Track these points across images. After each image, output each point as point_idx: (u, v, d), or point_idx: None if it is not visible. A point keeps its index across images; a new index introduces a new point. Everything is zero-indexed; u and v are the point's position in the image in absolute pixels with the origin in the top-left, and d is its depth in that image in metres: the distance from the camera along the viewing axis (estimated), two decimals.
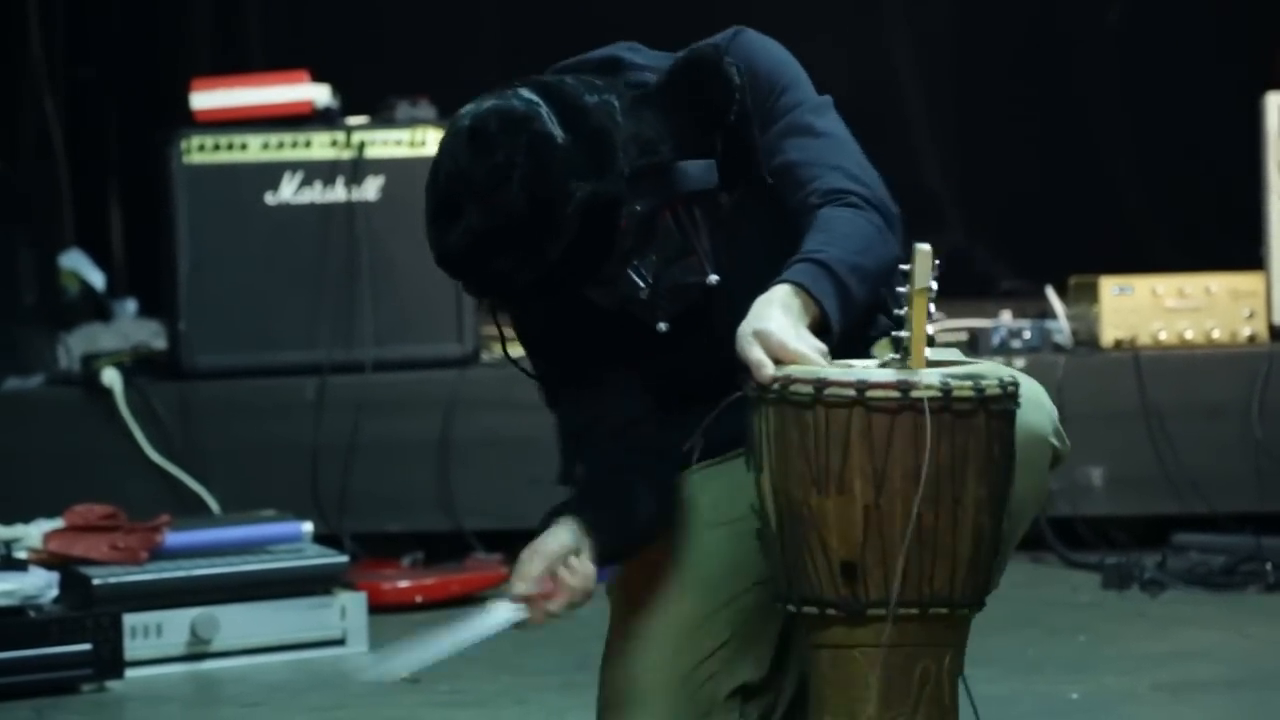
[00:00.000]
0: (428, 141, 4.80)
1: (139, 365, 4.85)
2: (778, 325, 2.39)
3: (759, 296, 2.45)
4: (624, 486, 2.65)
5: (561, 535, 2.55)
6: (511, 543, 4.70)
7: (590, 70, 2.60)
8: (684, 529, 2.69)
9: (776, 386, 2.35)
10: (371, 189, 4.83)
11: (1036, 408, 2.59)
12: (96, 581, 3.88)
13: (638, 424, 2.69)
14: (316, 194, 4.82)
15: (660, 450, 2.67)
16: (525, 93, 2.46)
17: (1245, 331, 4.82)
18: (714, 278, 2.57)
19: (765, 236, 2.58)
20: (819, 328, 2.44)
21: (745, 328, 2.42)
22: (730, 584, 2.61)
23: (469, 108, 2.48)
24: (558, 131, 2.42)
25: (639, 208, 2.47)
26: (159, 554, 4.00)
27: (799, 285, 2.42)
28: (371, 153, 4.80)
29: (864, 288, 2.48)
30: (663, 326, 2.57)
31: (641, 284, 2.51)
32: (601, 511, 2.60)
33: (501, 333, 2.64)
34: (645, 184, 2.48)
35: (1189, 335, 4.83)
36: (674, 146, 2.52)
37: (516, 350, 2.75)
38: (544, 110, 2.43)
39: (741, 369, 2.43)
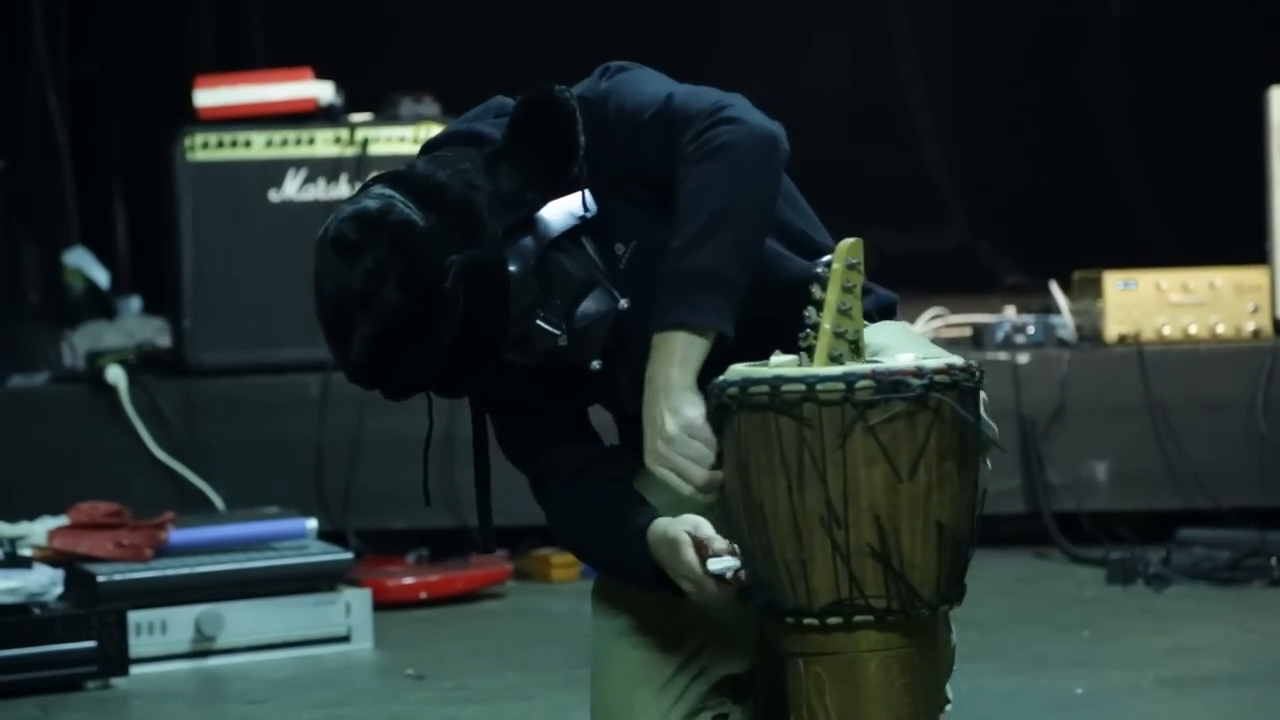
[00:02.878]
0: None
1: (143, 363, 4.85)
2: (671, 426, 2.40)
3: (646, 372, 2.45)
4: (598, 530, 2.65)
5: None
6: (515, 539, 4.72)
7: (448, 146, 2.60)
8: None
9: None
10: None
11: None
12: (101, 579, 3.87)
13: (589, 468, 2.68)
14: (320, 191, 4.82)
15: (617, 490, 2.66)
16: (377, 189, 2.48)
17: (1249, 326, 4.82)
18: (624, 302, 2.55)
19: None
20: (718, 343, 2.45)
21: (647, 443, 2.43)
22: None
23: (330, 220, 2.49)
24: (417, 215, 2.43)
25: (529, 260, 2.47)
26: (163, 551, 3.99)
27: (678, 327, 2.43)
28: (375, 150, 4.80)
29: (745, 247, 2.47)
30: (596, 365, 2.56)
31: (556, 331, 2.51)
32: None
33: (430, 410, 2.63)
34: (521, 236, 2.49)
35: (1193, 330, 4.82)
36: (539, 191, 2.52)
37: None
38: (398, 200, 2.45)
39: None
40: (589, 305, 2.54)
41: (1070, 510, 4.73)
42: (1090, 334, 4.90)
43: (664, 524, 2.52)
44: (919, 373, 2.29)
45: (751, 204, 2.50)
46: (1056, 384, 4.76)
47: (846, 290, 2.33)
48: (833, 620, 2.31)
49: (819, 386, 2.28)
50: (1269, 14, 5.21)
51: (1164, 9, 5.97)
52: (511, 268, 2.45)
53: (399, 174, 2.52)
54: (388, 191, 2.46)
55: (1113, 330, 4.81)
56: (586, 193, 2.54)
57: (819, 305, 2.36)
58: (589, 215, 2.55)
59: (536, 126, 2.52)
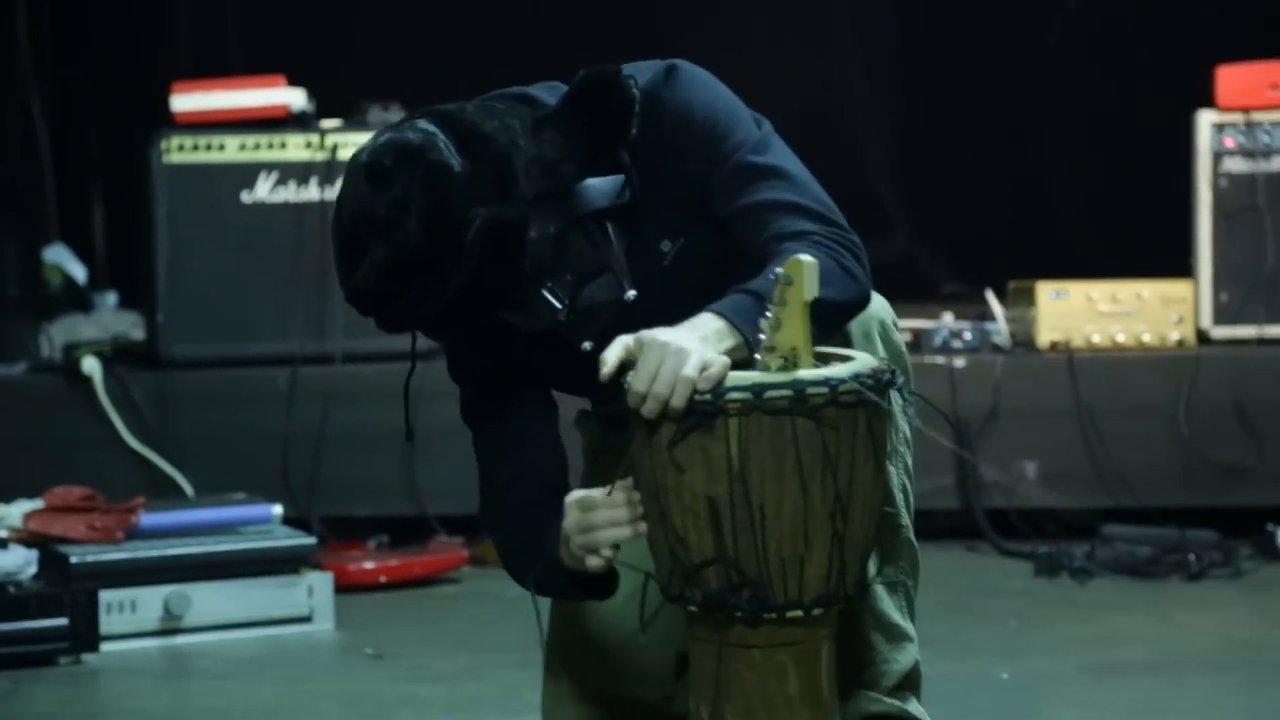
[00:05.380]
0: None
1: (118, 355, 4.85)
2: (668, 336, 2.27)
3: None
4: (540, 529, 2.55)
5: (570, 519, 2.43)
6: (473, 527, 4.72)
7: (501, 100, 2.50)
8: None
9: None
10: None
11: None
12: (74, 559, 3.87)
13: (542, 466, 2.62)
14: (291, 193, 4.82)
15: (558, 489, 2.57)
16: (422, 124, 2.39)
17: (1174, 336, 4.85)
18: (631, 293, 2.48)
19: (710, 280, 2.45)
20: (744, 356, 2.32)
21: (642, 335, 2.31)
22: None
23: (367, 144, 2.41)
24: (455, 160, 2.35)
25: (551, 229, 2.39)
26: (134, 534, 3.99)
27: (718, 313, 2.32)
28: (344, 154, 4.75)
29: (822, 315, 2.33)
30: (587, 346, 2.46)
31: (558, 305, 2.43)
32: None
33: (414, 348, 2.55)
34: (551, 205, 2.40)
35: (1120, 338, 4.85)
36: (578, 166, 2.44)
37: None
38: (440, 140, 2.36)
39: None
40: (595, 289, 2.46)
41: (1001, 507, 4.76)
42: (1023, 340, 4.91)
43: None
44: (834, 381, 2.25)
45: (836, 293, 2.37)
46: (990, 387, 4.78)
47: (780, 305, 2.25)
48: (816, 611, 2.29)
49: (841, 389, 2.23)
50: (1196, 43, 5.24)
51: (1100, 37, 5.99)
52: (532, 233, 2.37)
53: (447, 112, 2.41)
54: (432, 128, 2.37)
55: (1044, 337, 4.84)
56: (624, 179, 2.49)
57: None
58: (623, 203, 2.49)
59: (594, 104, 2.45)
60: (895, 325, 2.59)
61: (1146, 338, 4.84)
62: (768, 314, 2.26)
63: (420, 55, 5.95)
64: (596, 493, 2.39)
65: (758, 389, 2.22)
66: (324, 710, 3.37)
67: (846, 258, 2.42)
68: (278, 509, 4.19)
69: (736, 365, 2.28)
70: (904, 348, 2.61)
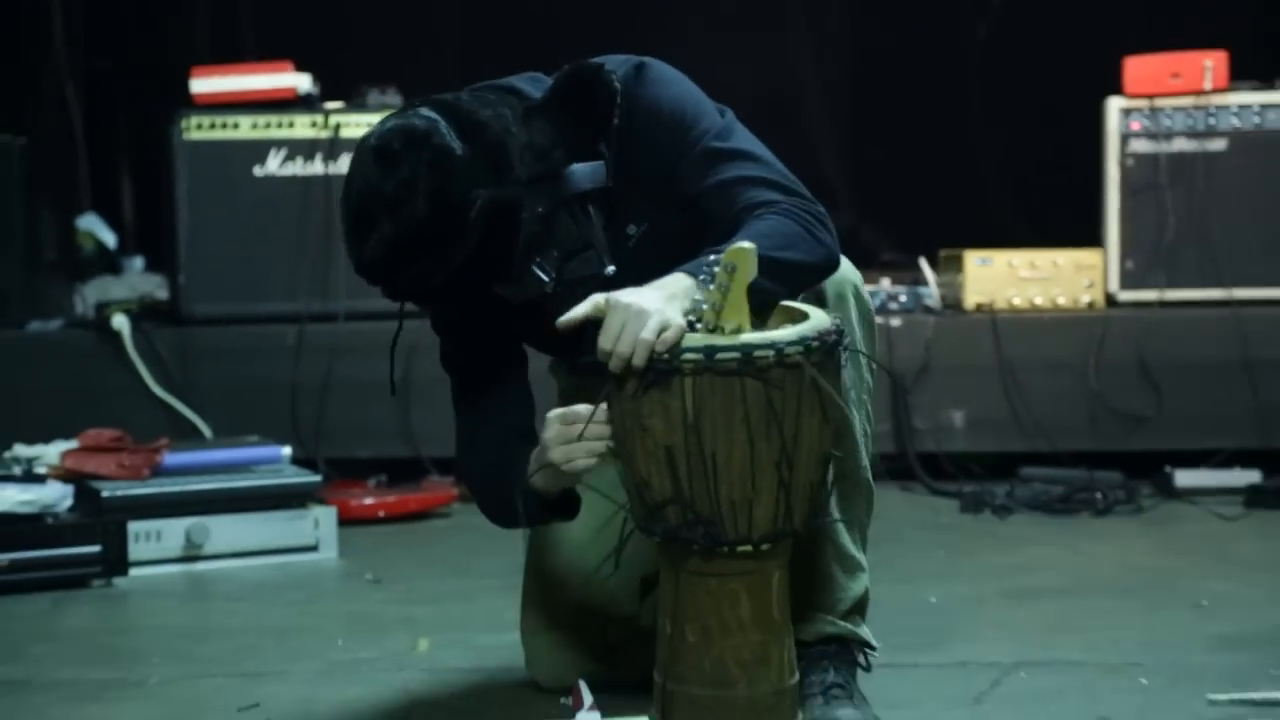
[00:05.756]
0: None
1: (144, 312, 4.86)
2: (632, 298, 2.26)
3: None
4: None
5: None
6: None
7: (489, 92, 2.52)
8: None
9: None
10: (345, 164, 4.79)
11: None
12: (105, 494, 3.90)
13: (514, 408, 2.64)
14: (298, 168, 4.83)
15: (526, 432, 2.59)
16: (425, 111, 2.40)
17: (1085, 299, 4.88)
18: (610, 269, 2.50)
19: (672, 259, 2.40)
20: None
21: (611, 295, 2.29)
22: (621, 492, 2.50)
23: (374, 129, 2.42)
24: (457, 144, 2.35)
25: (540, 209, 2.41)
26: (159, 471, 4.03)
27: (689, 272, 2.31)
28: (346, 133, 4.80)
29: (778, 280, 2.35)
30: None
31: (545, 279, 2.44)
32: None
33: (402, 312, 2.56)
34: (541, 187, 2.42)
35: (1038, 301, 4.88)
36: (565, 152, 2.45)
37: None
38: (443, 125, 2.37)
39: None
40: (579, 264, 2.48)
41: (931, 451, 4.80)
42: (952, 303, 4.95)
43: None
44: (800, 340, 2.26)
45: (802, 255, 2.40)
46: (923, 345, 4.81)
47: (722, 290, 2.25)
48: (765, 546, 2.31)
49: (786, 351, 2.23)
50: (1107, 36, 5.26)
51: (1024, 32, 5.99)
52: (525, 213, 2.38)
53: (446, 102, 2.42)
54: (434, 115, 2.38)
55: (971, 300, 4.88)
56: (604, 164, 2.49)
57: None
58: (603, 186, 2.50)
59: (579, 96, 2.47)
60: (863, 288, 2.61)
61: (1061, 300, 4.88)
62: (705, 295, 2.27)
63: (414, 43, 5.93)
64: (580, 408, 2.40)
65: (709, 350, 2.23)
66: (328, 629, 3.39)
67: (814, 224, 2.43)
68: (287, 450, 4.22)
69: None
70: (872, 306, 2.65)
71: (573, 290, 2.43)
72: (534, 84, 2.56)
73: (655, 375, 2.25)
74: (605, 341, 2.27)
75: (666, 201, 2.53)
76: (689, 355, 2.24)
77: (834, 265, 2.49)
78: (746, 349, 2.23)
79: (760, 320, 2.34)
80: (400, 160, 2.35)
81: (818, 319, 2.35)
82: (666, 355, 2.24)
